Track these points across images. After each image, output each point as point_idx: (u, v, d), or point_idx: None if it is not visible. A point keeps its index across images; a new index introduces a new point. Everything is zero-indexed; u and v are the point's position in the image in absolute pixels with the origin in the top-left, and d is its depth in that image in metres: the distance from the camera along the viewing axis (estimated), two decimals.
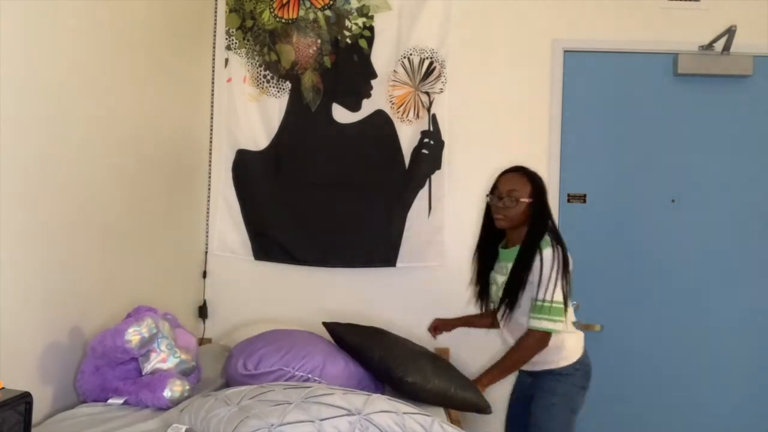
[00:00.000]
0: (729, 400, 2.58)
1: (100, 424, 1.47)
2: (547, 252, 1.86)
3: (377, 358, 1.82)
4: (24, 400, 1.08)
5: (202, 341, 2.57)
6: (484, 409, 1.85)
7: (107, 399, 1.62)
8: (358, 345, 1.87)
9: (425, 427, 1.30)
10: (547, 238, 1.90)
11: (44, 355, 1.57)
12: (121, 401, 1.60)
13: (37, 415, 1.46)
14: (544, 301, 1.84)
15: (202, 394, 1.51)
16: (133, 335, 1.58)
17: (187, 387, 1.62)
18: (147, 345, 1.62)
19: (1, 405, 1.03)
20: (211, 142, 2.65)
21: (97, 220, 1.79)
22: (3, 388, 1.09)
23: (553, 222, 1.97)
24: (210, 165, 2.65)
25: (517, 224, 1.96)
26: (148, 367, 1.65)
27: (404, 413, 1.31)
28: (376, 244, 2.58)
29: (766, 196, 2.58)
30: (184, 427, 1.34)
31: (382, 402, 1.33)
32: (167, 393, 1.57)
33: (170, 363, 1.67)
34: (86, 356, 1.64)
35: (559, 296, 1.85)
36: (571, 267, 1.91)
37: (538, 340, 1.88)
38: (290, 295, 2.64)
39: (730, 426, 2.58)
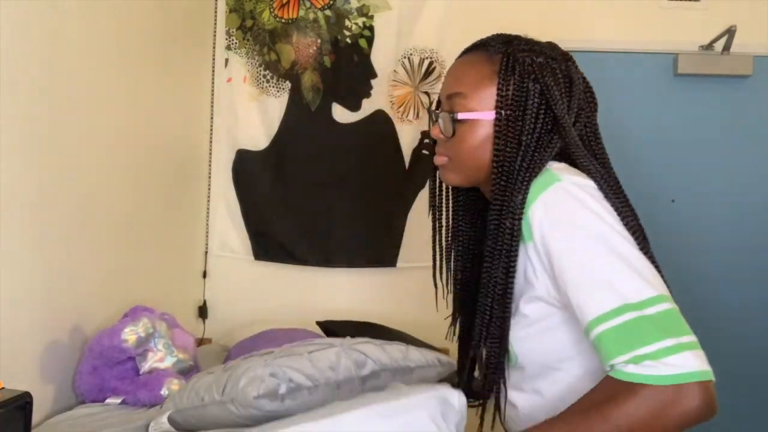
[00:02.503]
0: (728, 400, 2.57)
1: (96, 423, 1.46)
2: (548, 196, 0.90)
3: None
4: (24, 400, 1.08)
5: (202, 341, 2.57)
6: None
7: (105, 399, 1.62)
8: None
9: (402, 351, 1.33)
10: (548, 172, 0.92)
11: (44, 355, 1.57)
12: (118, 401, 1.60)
13: (37, 415, 1.46)
14: (618, 309, 0.83)
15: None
16: (130, 335, 1.58)
17: None
18: (144, 344, 1.63)
19: (1, 405, 1.03)
20: (211, 142, 2.65)
21: (97, 220, 1.79)
22: (3, 388, 1.09)
23: (579, 148, 0.98)
24: (210, 165, 2.65)
25: (481, 176, 1.01)
26: (145, 367, 1.66)
27: (382, 344, 1.34)
28: (376, 244, 2.58)
29: (766, 196, 2.58)
30: (164, 416, 1.34)
31: (359, 338, 1.36)
32: (165, 391, 1.57)
33: (168, 362, 1.68)
34: (83, 357, 1.64)
35: (647, 281, 0.86)
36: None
37: (662, 400, 0.80)
38: (290, 295, 2.64)
39: (731, 426, 2.58)
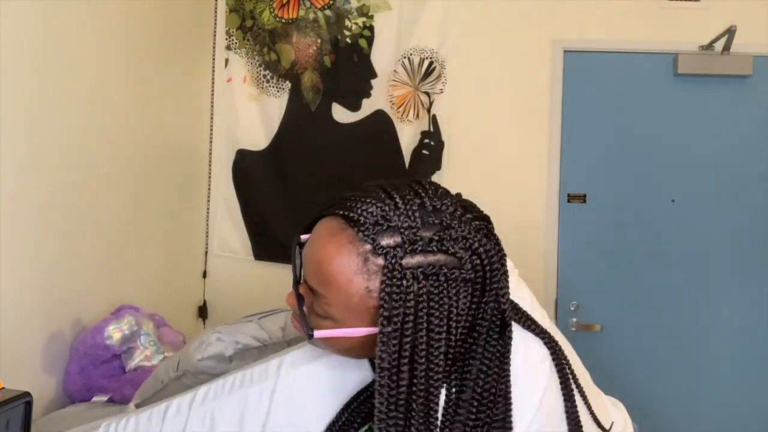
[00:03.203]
0: (729, 400, 2.57)
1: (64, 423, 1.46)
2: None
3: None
4: (24, 400, 1.08)
5: None
6: None
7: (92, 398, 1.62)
8: None
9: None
10: None
11: (44, 355, 1.57)
12: (105, 399, 1.60)
13: (36, 415, 1.46)
14: None
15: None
16: (114, 332, 1.59)
17: None
18: (128, 342, 1.63)
19: (1, 405, 1.03)
20: (211, 142, 2.65)
21: (97, 221, 1.79)
22: (3, 388, 1.09)
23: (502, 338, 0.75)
24: (210, 165, 2.65)
25: None
26: (131, 364, 1.66)
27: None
28: None
29: (766, 196, 2.58)
30: (132, 404, 1.33)
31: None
32: None
33: (155, 360, 1.68)
34: (70, 357, 1.64)
35: None
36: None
37: None
38: None
39: (731, 426, 2.58)
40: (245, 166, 2.64)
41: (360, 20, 2.59)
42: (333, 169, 2.60)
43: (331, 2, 2.60)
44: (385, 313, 0.69)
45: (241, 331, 1.14)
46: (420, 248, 0.69)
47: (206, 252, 2.66)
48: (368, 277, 0.71)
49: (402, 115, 2.59)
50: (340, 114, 2.61)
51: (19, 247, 1.46)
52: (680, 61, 2.53)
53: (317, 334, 0.75)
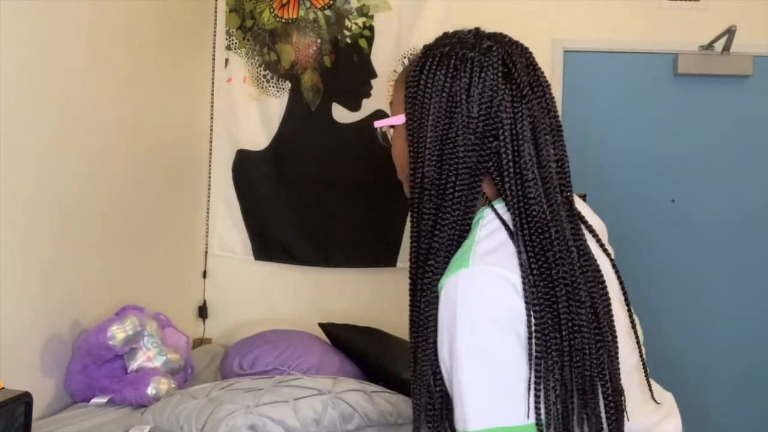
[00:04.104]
0: (730, 400, 2.57)
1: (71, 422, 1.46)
2: (451, 284, 0.76)
3: (372, 356, 1.81)
4: (24, 400, 1.08)
5: (202, 341, 2.57)
6: None
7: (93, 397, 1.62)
8: (353, 344, 1.88)
9: (391, 402, 1.31)
10: (467, 246, 0.79)
11: (44, 355, 1.57)
12: (104, 400, 1.60)
13: (36, 415, 1.46)
14: None
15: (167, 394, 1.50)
16: (117, 332, 1.58)
17: (173, 385, 1.61)
18: (131, 342, 1.62)
19: (1, 405, 1.03)
20: (211, 142, 2.65)
21: (97, 221, 1.79)
22: (3, 388, 1.09)
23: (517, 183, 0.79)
24: (210, 165, 2.65)
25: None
26: (133, 365, 1.65)
27: (372, 392, 1.32)
28: (376, 244, 2.58)
29: (766, 195, 2.58)
30: (147, 428, 1.33)
31: (349, 383, 1.34)
32: (151, 390, 1.57)
33: (157, 362, 1.67)
34: (73, 356, 1.63)
35: (487, 409, 0.73)
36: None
37: None
38: (290, 295, 2.64)
39: (731, 425, 2.58)
40: (245, 167, 2.64)
41: (360, 20, 2.59)
42: (333, 169, 2.60)
43: (331, 2, 2.60)
44: (407, 92, 0.83)
45: (275, 419, 1.12)
46: (436, 42, 0.85)
47: (206, 252, 2.66)
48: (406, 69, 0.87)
49: None
50: (340, 114, 2.61)
51: (19, 247, 1.46)
52: (680, 61, 2.53)
53: (376, 124, 0.89)
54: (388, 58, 2.59)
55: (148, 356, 1.67)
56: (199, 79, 2.57)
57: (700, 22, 2.56)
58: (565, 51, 2.60)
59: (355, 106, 2.60)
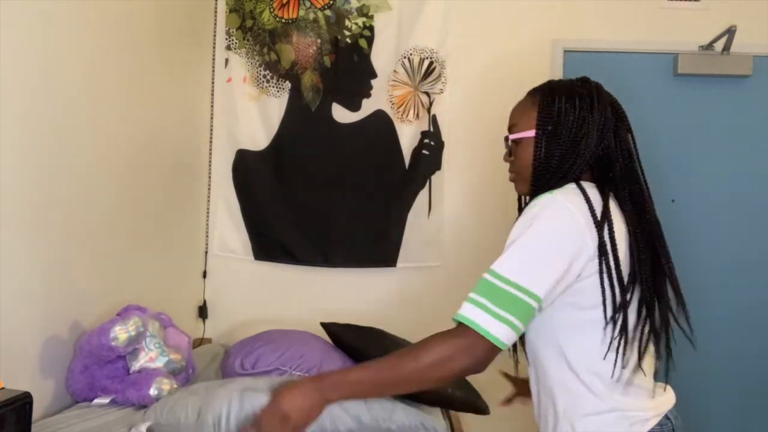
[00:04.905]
0: (729, 399, 2.57)
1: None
2: (538, 201, 1.09)
3: (374, 356, 1.81)
4: (24, 400, 1.08)
5: (202, 341, 2.57)
6: (482, 410, 1.84)
7: (95, 398, 1.62)
8: (355, 345, 1.88)
9: (386, 408, 1.33)
10: (558, 188, 1.10)
11: (44, 355, 1.57)
12: (107, 400, 1.59)
13: (37, 415, 1.46)
14: (489, 271, 1.04)
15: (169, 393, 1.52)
16: (120, 333, 1.57)
17: (175, 386, 1.61)
18: (133, 343, 1.62)
19: (1, 405, 1.03)
20: (211, 142, 2.65)
21: (97, 221, 1.79)
22: (3, 388, 1.09)
23: (609, 171, 1.18)
24: (210, 165, 2.65)
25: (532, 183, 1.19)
26: (136, 366, 1.65)
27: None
28: (376, 244, 2.58)
29: (766, 195, 2.58)
30: (145, 425, 1.34)
31: None
32: (153, 391, 1.56)
33: (159, 362, 1.67)
34: (75, 356, 1.63)
35: (513, 271, 1.02)
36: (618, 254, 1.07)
37: (456, 343, 1.02)
38: (290, 295, 2.64)
39: (731, 424, 2.58)
40: (245, 166, 2.64)
41: (360, 20, 2.59)
42: (333, 169, 2.60)
43: (331, 2, 2.60)
44: (539, 114, 1.21)
45: None
46: (557, 82, 1.25)
47: (206, 252, 2.66)
48: (533, 98, 1.25)
49: (402, 115, 2.59)
50: (340, 114, 2.61)
51: (19, 247, 1.46)
52: (680, 61, 2.53)
53: (512, 137, 1.24)
54: (388, 58, 2.59)
55: (150, 357, 1.67)
56: (199, 79, 2.57)
57: (700, 22, 2.56)
58: (565, 51, 2.60)
59: (355, 106, 2.60)
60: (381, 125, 2.59)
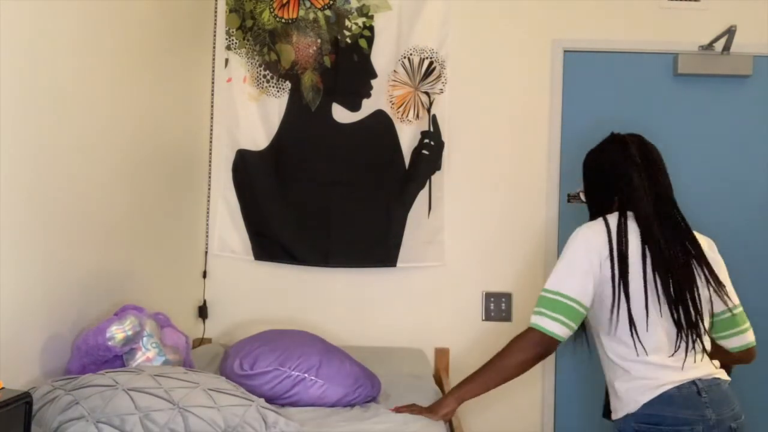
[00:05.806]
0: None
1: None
2: (576, 232, 1.57)
3: None
4: (24, 400, 1.08)
5: (202, 341, 2.57)
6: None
7: None
8: None
9: (239, 416, 1.33)
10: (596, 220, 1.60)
11: (44, 355, 1.57)
12: None
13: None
14: (543, 288, 1.56)
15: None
16: (116, 332, 1.57)
17: None
18: (130, 343, 1.62)
19: (1, 405, 1.03)
20: (211, 142, 2.65)
21: (97, 220, 1.79)
22: (3, 388, 1.09)
23: (630, 200, 1.64)
24: (210, 165, 2.65)
25: None
26: (133, 366, 1.65)
27: (222, 406, 1.33)
28: (376, 244, 2.58)
29: (766, 195, 2.58)
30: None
31: (201, 396, 1.34)
32: None
33: (156, 362, 1.67)
34: (72, 355, 1.63)
35: (556, 284, 1.52)
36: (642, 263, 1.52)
37: (528, 340, 1.54)
38: (290, 295, 2.64)
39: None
40: (245, 166, 2.64)
41: (360, 20, 2.59)
42: (333, 169, 2.60)
43: (331, 2, 2.60)
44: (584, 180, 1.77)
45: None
46: (593, 148, 1.80)
47: (206, 252, 2.66)
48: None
49: (402, 115, 2.59)
50: (340, 114, 2.61)
51: (19, 246, 1.46)
52: (680, 61, 2.53)
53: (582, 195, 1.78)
54: (388, 58, 2.59)
55: (147, 357, 1.66)
56: (199, 79, 2.57)
57: (700, 22, 2.56)
58: (565, 51, 2.60)
59: (355, 106, 2.60)
60: (381, 125, 2.59)
